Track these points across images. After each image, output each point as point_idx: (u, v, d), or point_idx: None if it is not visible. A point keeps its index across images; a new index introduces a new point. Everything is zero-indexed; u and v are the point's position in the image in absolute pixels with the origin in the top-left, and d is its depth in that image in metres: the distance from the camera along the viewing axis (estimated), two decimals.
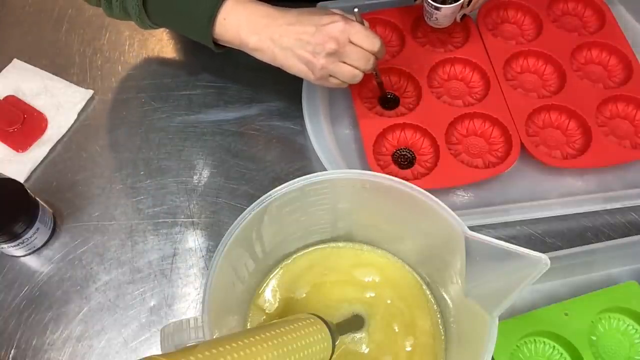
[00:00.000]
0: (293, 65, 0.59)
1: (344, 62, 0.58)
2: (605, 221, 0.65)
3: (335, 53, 0.57)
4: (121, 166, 0.69)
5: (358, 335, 0.54)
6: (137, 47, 0.79)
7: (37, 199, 0.62)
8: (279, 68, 0.63)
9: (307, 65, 0.58)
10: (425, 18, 0.70)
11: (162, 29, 0.80)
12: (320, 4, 0.76)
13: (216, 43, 0.61)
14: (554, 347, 0.56)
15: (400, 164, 0.67)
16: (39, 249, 0.64)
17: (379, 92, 0.71)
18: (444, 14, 0.67)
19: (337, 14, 0.58)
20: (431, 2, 0.65)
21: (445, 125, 0.67)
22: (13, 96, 0.73)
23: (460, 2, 0.65)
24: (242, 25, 0.58)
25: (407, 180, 0.49)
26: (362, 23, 0.58)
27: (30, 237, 0.61)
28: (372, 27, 0.77)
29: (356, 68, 0.59)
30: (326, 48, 0.56)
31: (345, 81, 0.60)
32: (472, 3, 0.67)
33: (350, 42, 0.57)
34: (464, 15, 0.70)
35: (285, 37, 0.57)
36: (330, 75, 0.59)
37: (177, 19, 0.62)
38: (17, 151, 0.70)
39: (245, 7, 0.58)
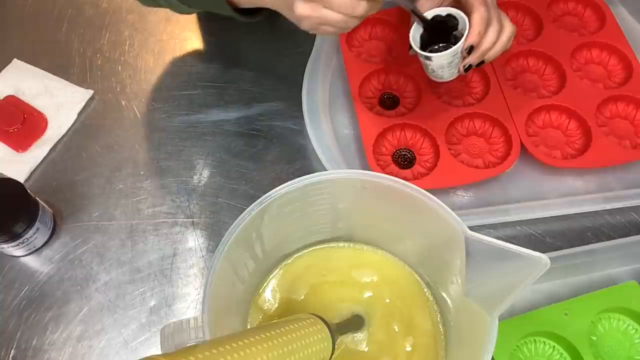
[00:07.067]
0: (287, 14, 0.53)
1: (327, 8, 0.50)
2: (605, 221, 0.65)
3: None
4: (121, 166, 0.69)
5: (358, 335, 0.54)
6: (137, 47, 0.79)
7: (37, 199, 0.62)
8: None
9: (295, 16, 0.52)
10: (425, 71, 0.62)
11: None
12: None
13: (237, 9, 0.57)
14: (554, 347, 0.56)
15: (400, 164, 0.67)
16: (39, 249, 0.64)
17: (380, 90, 0.70)
18: (439, 65, 0.58)
19: None
20: (419, 51, 0.57)
21: (445, 125, 0.68)
22: (13, 96, 0.73)
23: (451, 50, 0.55)
24: None
25: (407, 180, 0.49)
26: None
27: (30, 237, 0.61)
28: (373, 27, 0.77)
29: (344, 14, 0.50)
30: None
31: (339, 29, 0.52)
32: (479, 51, 0.56)
33: None
34: (470, 67, 0.59)
35: None
36: (322, 24, 0.52)
37: None
38: (17, 151, 0.70)
39: None
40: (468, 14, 0.55)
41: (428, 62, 0.58)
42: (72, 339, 0.59)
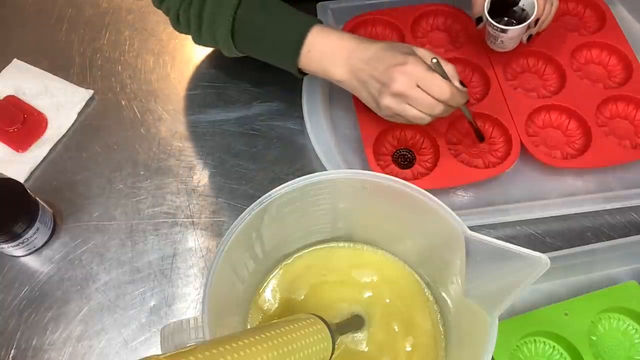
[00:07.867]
0: (365, 99, 0.61)
1: (410, 105, 0.58)
2: (605, 221, 0.65)
3: (400, 95, 0.57)
4: (121, 166, 0.69)
5: (358, 335, 0.54)
6: (137, 47, 0.79)
7: (37, 199, 0.62)
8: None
9: (375, 103, 0.59)
10: (489, 42, 0.69)
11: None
12: (320, 4, 0.76)
13: (301, 70, 0.62)
14: (554, 347, 0.56)
15: (400, 164, 0.67)
16: (39, 249, 0.64)
17: None
18: (510, 37, 0.65)
19: (414, 54, 0.57)
20: (496, 25, 0.63)
21: (445, 125, 0.68)
22: (13, 96, 0.73)
23: (527, 23, 0.63)
24: (325, 57, 0.59)
25: (407, 180, 0.49)
26: (441, 71, 0.57)
27: (30, 237, 0.61)
28: (373, 27, 0.77)
29: (422, 112, 0.58)
30: (391, 89, 0.57)
31: (411, 122, 0.60)
32: (539, 22, 0.65)
33: (418, 86, 0.56)
34: (530, 36, 0.67)
35: (361, 72, 0.58)
36: (397, 114, 0.59)
37: (263, 50, 0.63)
38: (17, 151, 0.70)
39: (329, 39, 0.59)
40: None
41: (502, 34, 0.65)
42: (72, 339, 0.59)
